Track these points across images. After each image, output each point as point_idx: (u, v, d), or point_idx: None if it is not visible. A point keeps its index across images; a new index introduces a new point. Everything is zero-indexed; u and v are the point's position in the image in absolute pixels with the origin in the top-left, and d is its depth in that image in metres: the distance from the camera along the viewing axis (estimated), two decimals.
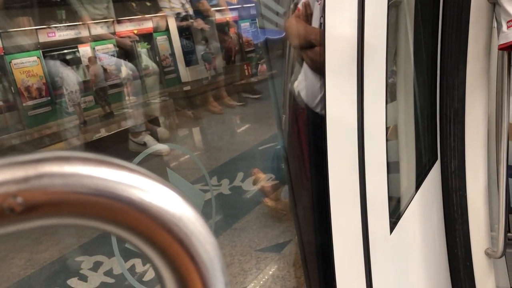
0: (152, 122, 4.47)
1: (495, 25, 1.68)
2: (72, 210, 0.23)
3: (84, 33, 5.70)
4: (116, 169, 0.24)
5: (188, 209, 0.25)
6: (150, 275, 2.33)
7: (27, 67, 6.28)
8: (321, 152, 1.13)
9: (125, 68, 4.47)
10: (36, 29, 6.03)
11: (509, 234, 2.00)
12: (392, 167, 1.56)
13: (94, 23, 4.82)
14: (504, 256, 1.87)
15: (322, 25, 1.35)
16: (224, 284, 0.26)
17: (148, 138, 3.77)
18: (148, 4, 6.31)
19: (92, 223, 0.24)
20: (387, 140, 1.30)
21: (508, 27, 1.45)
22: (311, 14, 1.47)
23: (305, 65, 1.45)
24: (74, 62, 6.30)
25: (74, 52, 6.65)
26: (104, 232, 0.24)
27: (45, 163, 0.22)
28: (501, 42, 1.50)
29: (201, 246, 0.25)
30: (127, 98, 4.71)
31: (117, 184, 0.24)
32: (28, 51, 6.15)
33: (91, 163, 0.23)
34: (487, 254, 1.85)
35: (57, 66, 5.97)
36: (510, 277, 2.06)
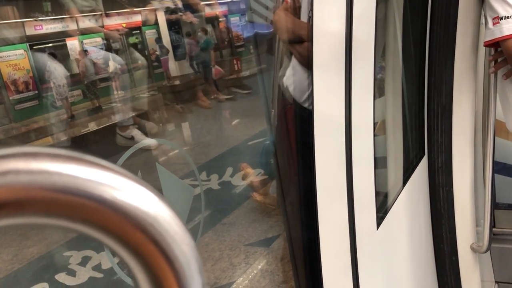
0: (140, 116, 4.43)
1: (483, 21, 1.69)
2: (40, 208, 0.22)
3: (72, 26, 5.62)
4: (87, 166, 0.23)
5: (163, 208, 0.24)
6: None
7: (13, 60, 6.18)
8: (309, 147, 1.13)
9: (113, 62, 4.41)
10: (23, 21, 5.94)
11: (494, 229, 2.02)
12: (380, 162, 1.56)
13: (82, 16, 4.75)
14: (489, 251, 1.89)
15: (310, 19, 1.35)
16: (201, 285, 0.26)
17: (136, 132, 3.74)
18: None
19: (62, 222, 0.23)
20: (374, 135, 1.30)
21: (493, 24, 1.46)
22: (300, 7, 1.46)
23: (294, 60, 1.44)
24: (61, 56, 6.22)
25: (61, 46, 6.56)
26: (75, 232, 0.23)
27: (11, 159, 0.21)
28: (487, 39, 1.51)
29: (177, 246, 0.24)
30: (115, 92, 4.66)
31: (88, 182, 0.23)
32: (14, 44, 6.05)
33: (60, 160, 0.22)
34: (472, 249, 1.86)
35: (44, 59, 5.88)
36: (495, 272, 2.08)
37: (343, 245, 1.16)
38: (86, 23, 4.89)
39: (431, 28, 1.74)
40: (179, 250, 0.24)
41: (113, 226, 0.23)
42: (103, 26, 5.45)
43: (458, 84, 1.75)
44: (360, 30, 1.13)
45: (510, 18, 1.41)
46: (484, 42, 1.54)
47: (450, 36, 1.70)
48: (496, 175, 1.97)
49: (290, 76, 1.47)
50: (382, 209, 1.44)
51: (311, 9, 1.34)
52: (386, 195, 1.57)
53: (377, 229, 1.32)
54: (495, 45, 1.52)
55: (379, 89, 1.73)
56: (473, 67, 1.76)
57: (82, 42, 6.26)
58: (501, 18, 1.42)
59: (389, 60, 1.76)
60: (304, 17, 1.46)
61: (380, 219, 1.35)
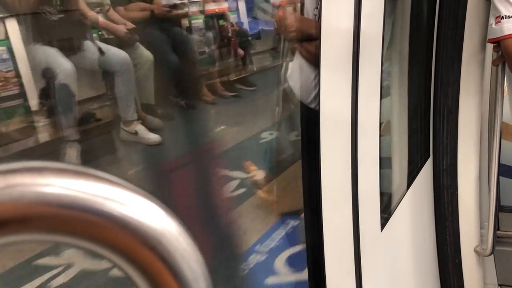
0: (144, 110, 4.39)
1: (491, 23, 1.68)
2: (45, 225, 0.21)
3: None
4: (94, 181, 0.22)
5: (172, 224, 0.24)
6: None
7: None
8: (314, 147, 1.12)
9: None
10: None
11: (498, 232, 2.01)
12: (385, 164, 1.55)
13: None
14: (492, 254, 1.88)
15: (317, 17, 1.33)
16: None
17: (140, 127, 3.72)
18: None
19: (68, 239, 0.22)
20: (380, 136, 1.29)
21: (496, 23, 1.48)
22: (302, 4, 1.44)
23: (300, 59, 1.42)
24: None
25: None
26: (81, 248, 0.23)
27: (16, 174, 0.21)
28: (489, 37, 1.54)
29: (186, 263, 0.24)
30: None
31: (94, 197, 0.22)
32: None
33: (67, 174, 0.22)
34: (476, 251, 1.85)
35: None
36: (498, 274, 2.07)
37: (346, 247, 1.15)
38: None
39: (439, 29, 1.73)
40: (188, 268, 0.24)
41: (120, 243, 0.22)
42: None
43: (464, 86, 1.74)
44: (368, 30, 1.12)
45: (511, 18, 1.42)
46: (487, 40, 1.57)
47: (457, 37, 1.69)
48: (501, 177, 1.95)
49: (297, 75, 1.46)
50: (387, 211, 1.43)
51: (317, 7, 1.33)
52: (390, 197, 1.56)
53: (381, 231, 1.31)
54: (499, 43, 1.53)
55: (385, 89, 1.72)
56: (480, 69, 1.74)
57: None
58: (503, 17, 1.45)
59: (396, 61, 1.75)
60: (307, 15, 1.44)
61: (384, 221, 1.34)
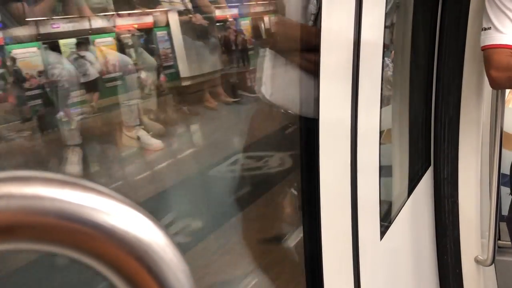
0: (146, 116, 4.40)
1: None
2: (31, 234, 0.21)
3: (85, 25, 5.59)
4: (81, 191, 0.22)
5: (159, 234, 0.24)
6: None
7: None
8: (313, 155, 1.12)
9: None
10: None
11: (499, 242, 2.00)
12: (385, 172, 1.55)
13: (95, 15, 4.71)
14: (493, 264, 1.87)
15: (313, 23, 1.31)
16: None
17: (142, 133, 3.72)
18: None
19: (53, 248, 0.22)
20: (380, 144, 1.29)
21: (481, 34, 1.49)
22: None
23: (300, 72, 1.38)
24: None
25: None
26: (67, 257, 0.23)
27: (2, 183, 0.21)
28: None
29: (172, 274, 0.24)
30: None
31: (81, 207, 0.22)
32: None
33: (53, 184, 0.22)
34: (476, 261, 1.85)
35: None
36: (499, 285, 2.06)
37: (345, 255, 1.15)
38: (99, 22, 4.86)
39: (440, 37, 1.73)
40: (174, 278, 0.24)
41: (105, 253, 0.22)
42: (115, 26, 5.42)
43: (465, 95, 1.74)
44: (368, 40, 1.13)
45: (487, 30, 1.45)
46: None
47: (459, 46, 1.69)
48: (502, 187, 1.95)
49: (295, 90, 1.42)
50: (386, 220, 1.43)
51: (316, 14, 1.31)
52: (390, 205, 1.56)
53: (381, 240, 1.31)
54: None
55: (385, 98, 1.72)
56: (481, 78, 1.75)
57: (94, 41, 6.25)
58: (482, 29, 1.46)
59: (397, 69, 1.75)
60: (295, 17, 1.38)
61: (384, 230, 1.34)
